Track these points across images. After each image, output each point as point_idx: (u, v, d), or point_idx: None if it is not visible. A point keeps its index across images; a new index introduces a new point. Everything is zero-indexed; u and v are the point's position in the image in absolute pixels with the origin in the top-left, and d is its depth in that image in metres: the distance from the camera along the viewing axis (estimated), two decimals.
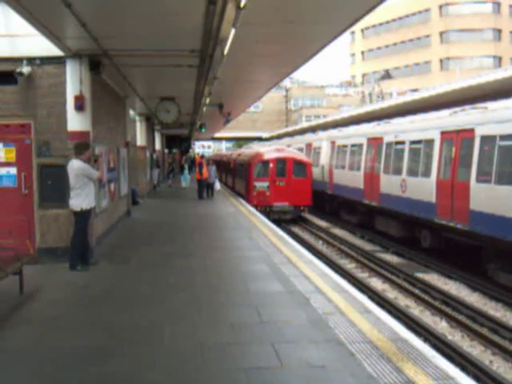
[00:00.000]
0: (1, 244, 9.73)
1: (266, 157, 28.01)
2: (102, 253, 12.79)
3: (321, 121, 50.25)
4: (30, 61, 11.67)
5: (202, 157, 33.08)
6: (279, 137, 58.42)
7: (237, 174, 34.81)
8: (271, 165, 27.34)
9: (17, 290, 9.20)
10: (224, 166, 42.89)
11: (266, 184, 27.00)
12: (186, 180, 34.90)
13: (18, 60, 11.59)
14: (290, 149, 31.59)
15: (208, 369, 6.06)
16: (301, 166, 27.55)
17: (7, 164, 11.78)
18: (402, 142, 20.14)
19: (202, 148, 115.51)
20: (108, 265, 11.83)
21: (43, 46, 11.23)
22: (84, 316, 8.21)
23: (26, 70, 11.53)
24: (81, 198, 11.01)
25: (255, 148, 40.62)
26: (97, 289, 9.82)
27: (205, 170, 27.64)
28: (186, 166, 37.78)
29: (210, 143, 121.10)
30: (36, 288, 9.66)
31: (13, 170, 11.82)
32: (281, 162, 27.44)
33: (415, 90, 48.19)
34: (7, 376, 6.05)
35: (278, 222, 23.34)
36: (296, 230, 25.39)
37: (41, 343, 7.03)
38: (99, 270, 11.27)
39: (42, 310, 8.56)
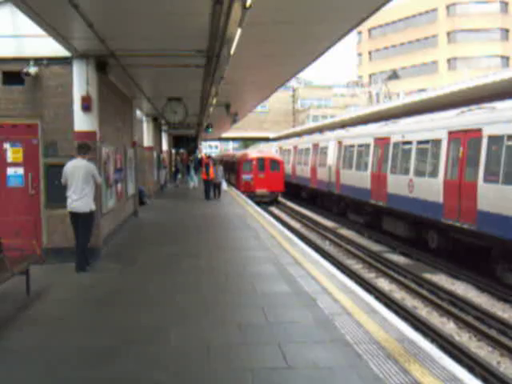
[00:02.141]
0: (8, 244, 9.74)
1: (250, 157, 37.98)
2: (109, 253, 12.83)
3: (328, 121, 50.17)
4: (37, 61, 11.72)
5: (209, 157, 33.11)
6: (286, 137, 58.35)
7: (231, 169, 43.46)
8: (254, 162, 36.75)
9: (23, 290, 9.22)
10: (223, 164, 45.82)
11: (250, 176, 36.43)
12: (194, 181, 34.81)
13: (25, 60, 11.65)
14: (268, 150, 44.04)
15: (214, 369, 6.05)
16: (275, 163, 36.96)
17: (14, 164, 11.82)
18: (410, 142, 20.08)
19: (209, 148, 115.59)
20: (115, 265, 11.84)
21: (50, 47, 11.28)
22: (90, 316, 8.22)
23: (32, 70, 11.57)
24: (90, 199, 10.94)
25: (245, 150, 54.04)
26: (103, 289, 9.84)
27: (211, 170, 27.68)
28: (192, 167, 37.71)
29: (217, 143, 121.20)
30: (43, 288, 9.69)
31: (20, 171, 11.86)
32: (261, 161, 36.83)
33: (422, 90, 48.07)
34: (14, 376, 6.06)
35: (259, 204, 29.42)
36: (303, 230, 25.38)
37: (47, 343, 7.04)
38: (106, 271, 11.28)
39: (49, 310, 8.58)
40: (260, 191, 35.74)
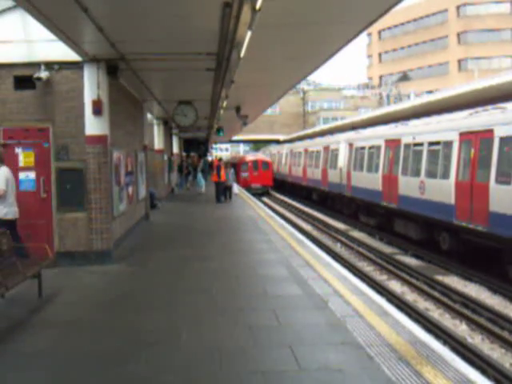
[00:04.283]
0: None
1: (247, 159, 49.64)
2: (121, 256, 12.85)
3: (338, 123, 50.14)
4: (48, 66, 11.78)
5: (220, 159, 33.10)
6: (296, 139, 58.34)
7: (234, 169, 48.12)
8: (250, 163, 47.77)
9: (36, 293, 9.27)
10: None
11: (247, 174, 47.13)
12: (201, 184, 34.44)
13: (36, 65, 11.71)
14: (261, 154, 58.23)
15: (225, 372, 6.05)
16: (266, 164, 48.31)
17: (26, 168, 11.88)
18: (420, 144, 20.00)
19: (219, 151, 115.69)
20: (126, 268, 11.88)
21: (61, 51, 11.33)
22: (102, 319, 8.24)
23: (44, 74, 11.63)
24: None
25: (243, 154, 69.62)
26: (115, 292, 9.86)
27: (222, 172, 27.66)
28: (199, 170, 37.54)
29: (228, 146, 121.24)
30: (55, 291, 9.73)
31: (32, 175, 11.91)
32: (255, 162, 48.00)
33: (433, 92, 47.93)
34: (26, 378, 6.08)
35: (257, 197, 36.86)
36: (314, 232, 25.34)
37: (59, 346, 7.07)
38: (117, 274, 11.32)
39: (61, 313, 8.62)
40: (254, 185, 46.01)
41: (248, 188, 43.03)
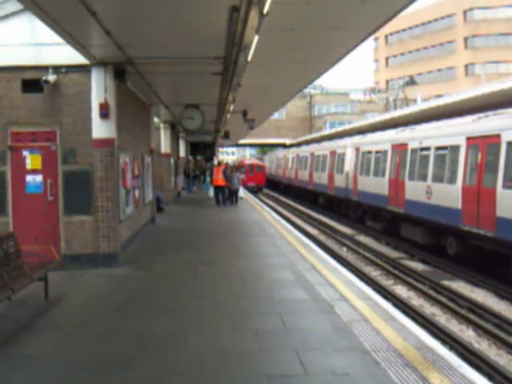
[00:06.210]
0: (26, 250, 9.81)
1: (244, 163, 58.95)
2: (127, 259, 12.87)
3: (345, 127, 50.18)
4: (56, 69, 11.82)
5: (219, 164, 33.02)
6: (303, 143, 58.43)
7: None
8: (247, 167, 56.35)
9: (42, 295, 9.28)
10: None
11: (244, 175, 49.17)
12: (210, 189, 34.19)
13: (44, 68, 11.75)
14: (255, 160, 70.80)
15: (231, 376, 6.04)
16: (260, 167, 57.81)
17: (33, 171, 11.92)
18: (427, 148, 19.96)
19: (226, 155, 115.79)
20: (132, 271, 11.89)
21: (69, 55, 11.37)
22: (108, 322, 8.25)
23: (51, 78, 11.68)
24: None
25: (241, 159, 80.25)
26: (121, 295, 9.87)
27: (217, 174, 27.73)
28: (207, 174, 37.51)
29: (234, 149, 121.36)
30: (61, 294, 9.74)
31: (39, 177, 11.95)
32: (251, 166, 57.39)
33: (440, 96, 47.84)
34: (32, 381, 6.09)
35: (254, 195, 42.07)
36: (321, 237, 25.31)
37: (66, 349, 7.07)
38: (124, 277, 11.33)
39: (67, 315, 8.63)
40: (250, 184, 53.86)
41: (245, 186, 47.98)
